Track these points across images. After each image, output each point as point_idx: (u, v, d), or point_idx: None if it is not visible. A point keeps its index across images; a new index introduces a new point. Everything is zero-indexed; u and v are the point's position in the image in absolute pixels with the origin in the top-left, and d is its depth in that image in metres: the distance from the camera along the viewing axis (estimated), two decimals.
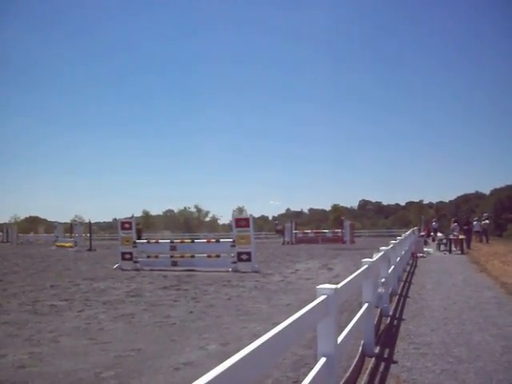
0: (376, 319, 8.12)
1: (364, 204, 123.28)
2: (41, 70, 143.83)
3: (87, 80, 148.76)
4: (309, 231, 49.33)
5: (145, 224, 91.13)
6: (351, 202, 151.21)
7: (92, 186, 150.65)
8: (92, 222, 43.17)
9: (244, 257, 18.98)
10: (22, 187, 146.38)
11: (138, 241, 22.15)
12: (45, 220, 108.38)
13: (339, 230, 44.56)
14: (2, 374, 6.17)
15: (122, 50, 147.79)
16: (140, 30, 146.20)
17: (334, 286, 4.19)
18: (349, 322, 5.89)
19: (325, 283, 4.34)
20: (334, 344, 4.18)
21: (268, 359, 2.67)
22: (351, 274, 5.96)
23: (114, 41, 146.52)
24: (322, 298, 3.93)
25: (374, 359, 6.53)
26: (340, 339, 4.66)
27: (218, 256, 19.91)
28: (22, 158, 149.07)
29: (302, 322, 3.28)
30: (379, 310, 9.08)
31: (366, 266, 6.78)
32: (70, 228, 52.01)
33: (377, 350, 7.02)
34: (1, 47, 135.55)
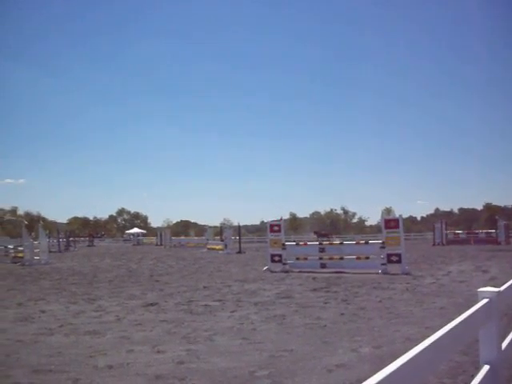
0: None
1: None
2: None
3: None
4: (460, 232, 47.49)
5: (291, 226, 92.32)
6: (505, 200, 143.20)
7: (239, 189, 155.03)
8: (240, 224, 44.31)
9: (394, 258, 18.58)
10: (174, 193, 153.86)
11: (287, 243, 22.38)
12: (195, 223, 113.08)
13: (493, 231, 42.57)
14: (163, 368, 6.49)
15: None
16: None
17: (497, 289, 3.96)
18: (510, 328, 5.55)
19: (480, 286, 4.11)
20: (497, 351, 3.94)
21: (429, 366, 2.56)
22: (509, 276, 5.61)
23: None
24: (484, 301, 3.72)
25: None
26: (504, 346, 4.40)
27: (367, 258, 19.65)
28: (173, 165, 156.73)
29: (463, 327, 3.13)
30: None
31: None
32: (219, 231, 53.79)
33: None
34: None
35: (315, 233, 60.43)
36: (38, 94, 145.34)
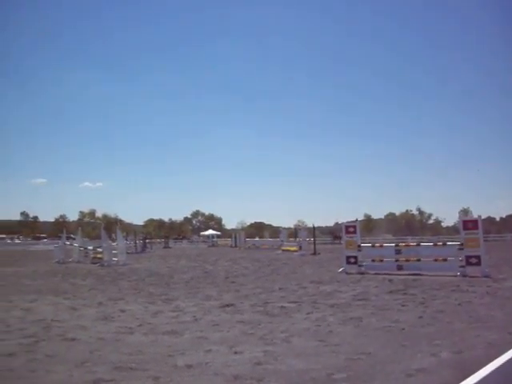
0: None
1: None
2: None
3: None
4: None
5: (366, 227, 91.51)
6: None
7: (314, 191, 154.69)
8: (314, 226, 44.19)
9: (473, 260, 18.05)
10: (248, 194, 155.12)
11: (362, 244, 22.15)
12: (269, 225, 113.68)
13: None
14: (240, 368, 6.53)
15: None
16: None
17: None
18: None
19: None
20: None
21: None
22: None
23: None
24: None
25: None
26: None
27: (444, 260, 19.17)
28: (247, 167, 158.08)
29: None
30: None
31: None
32: (293, 232, 53.90)
33: None
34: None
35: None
36: (113, 99, 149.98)
